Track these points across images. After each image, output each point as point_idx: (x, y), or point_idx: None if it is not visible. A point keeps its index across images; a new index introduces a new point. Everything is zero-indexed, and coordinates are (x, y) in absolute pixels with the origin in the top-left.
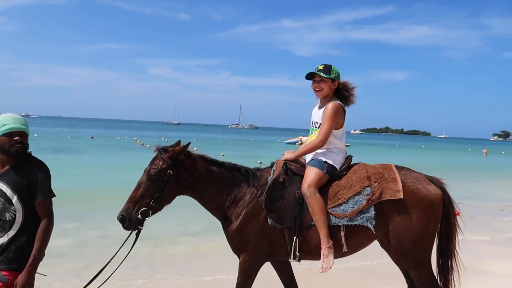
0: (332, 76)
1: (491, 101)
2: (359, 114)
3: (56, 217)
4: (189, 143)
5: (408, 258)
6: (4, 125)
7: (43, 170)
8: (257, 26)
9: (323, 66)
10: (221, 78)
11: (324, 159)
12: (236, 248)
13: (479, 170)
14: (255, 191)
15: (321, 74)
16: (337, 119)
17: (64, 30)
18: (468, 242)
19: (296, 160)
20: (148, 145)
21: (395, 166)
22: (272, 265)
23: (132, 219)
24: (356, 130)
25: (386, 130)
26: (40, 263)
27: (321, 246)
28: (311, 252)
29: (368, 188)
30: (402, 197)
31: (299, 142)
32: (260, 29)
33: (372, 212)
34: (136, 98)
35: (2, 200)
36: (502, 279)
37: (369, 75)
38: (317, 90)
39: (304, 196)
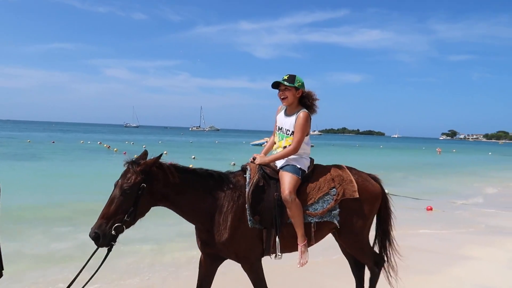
0: (296, 85)
1: (438, 102)
2: (318, 115)
3: (44, 227)
4: (161, 155)
5: (357, 240)
6: None
7: None
8: (216, 28)
9: (288, 76)
10: (179, 79)
11: (297, 165)
12: (233, 254)
13: (436, 167)
14: (234, 196)
15: (286, 83)
16: (308, 128)
17: (7, 28)
18: (446, 233)
19: (268, 164)
20: (115, 149)
21: (346, 167)
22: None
23: (106, 236)
24: (315, 131)
25: (343, 130)
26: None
27: (299, 244)
28: (286, 247)
29: (334, 189)
30: (358, 196)
31: (265, 143)
32: (218, 31)
33: (337, 210)
34: (90, 100)
35: None
36: (483, 263)
37: (327, 77)
38: (282, 98)
39: (285, 202)
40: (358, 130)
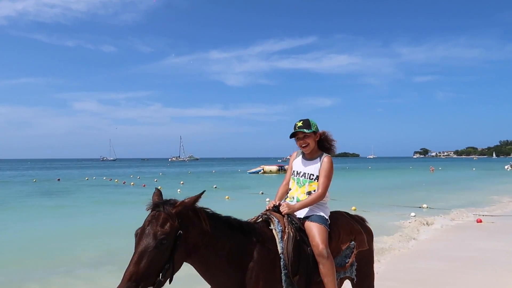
0: (313, 129)
1: (408, 121)
2: (291, 140)
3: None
4: (203, 192)
5: (369, 285)
6: None
7: None
8: (186, 57)
9: (301, 122)
10: (152, 110)
11: (324, 215)
12: None
13: (444, 184)
14: (264, 253)
15: (304, 130)
16: (333, 173)
17: None
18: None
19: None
20: (132, 183)
21: (344, 212)
22: None
23: None
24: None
25: None
26: None
27: None
28: None
29: (353, 242)
30: (368, 247)
31: (262, 171)
32: (189, 60)
33: (356, 264)
34: (61, 135)
35: None
36: None
37: (298, 102)
38: (303, 147)
39: (319, 257)
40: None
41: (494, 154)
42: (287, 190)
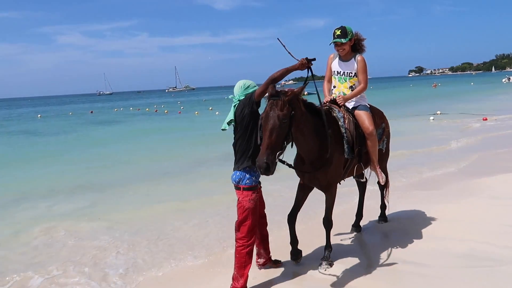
0: (349, 37)
1: (403, 39)
2: (287, 64)
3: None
4: (306, 83)
5: (387, 156)
6: None
7: None
8: None
9: (339, 31)
10: (139, 40)
11: (366, 104)
12: (326, 181)
13: (449, 97)
14: (334, 131)
15: (342, 40)
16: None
17: None
18: None
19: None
20: (166, 111)
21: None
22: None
23: (274, 164)
24: (290, 80)
25: (314, 76)
26: None
27: (376, 167)
28: (358, 172)
29: (383, 123)
30: (388, 129)
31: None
32: None
33: (385, 139)
34: (49, 71)
35: None
36: None
37: (291, 24)
38: (340, 51)
39: (369, 135)
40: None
41: (493, 68)
42: (330, 87)
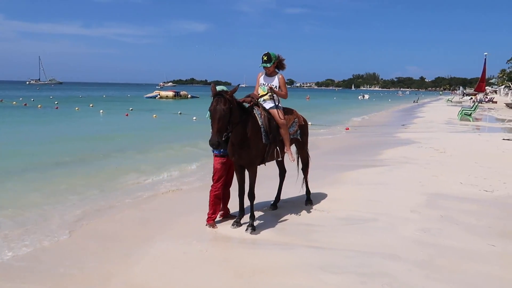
0: (273, 61)
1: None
2: (167, 66)
3: None
4: (238, 85)
5: (306, 147)
6: None
7: None
8: None
9: (266, 57)
10: None
11: (280, 105)
12: (249, 161)
13: (318, 108)
14: (254, 123)
15: (267, 65)
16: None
17: None
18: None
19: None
20: (39, 106)
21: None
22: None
23: (221, 143)
24: (169, 82)
25: (192, 81)
26: None
27: (287, 150)
28: (277, 155)
29: (296, 119)
30: (303, 123)
31: (158, 96)
32: None
33: (299, 131)
34: None
35: None
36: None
37: (171, 25)
38: (267, 71)
39: (282, 125)
40: (206, 80)
41: (353, 86)
42: (258, 94)
